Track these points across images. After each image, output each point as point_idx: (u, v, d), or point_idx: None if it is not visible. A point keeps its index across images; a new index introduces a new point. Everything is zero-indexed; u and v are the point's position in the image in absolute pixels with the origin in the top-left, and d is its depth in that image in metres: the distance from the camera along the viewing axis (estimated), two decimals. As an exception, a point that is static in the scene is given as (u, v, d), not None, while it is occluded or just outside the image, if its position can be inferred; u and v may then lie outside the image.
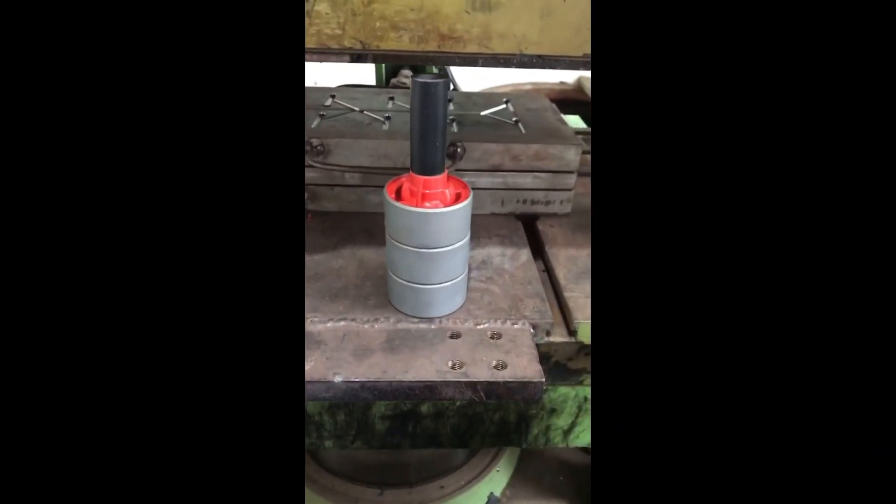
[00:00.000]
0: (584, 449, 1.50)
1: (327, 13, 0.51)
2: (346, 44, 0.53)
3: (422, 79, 0.53)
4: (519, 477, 1.44)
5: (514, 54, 0.54)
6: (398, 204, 0.57)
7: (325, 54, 0.55)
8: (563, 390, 0.74)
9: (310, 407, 0.74)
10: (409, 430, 0.77)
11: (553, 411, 0.76)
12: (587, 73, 2.58)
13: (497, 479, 1.40)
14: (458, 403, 0.75)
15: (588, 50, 0.54)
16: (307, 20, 0.51)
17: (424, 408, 0.74)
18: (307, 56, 0.56)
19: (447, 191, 0.59)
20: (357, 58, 0.58)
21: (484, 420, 0.76)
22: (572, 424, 0.78)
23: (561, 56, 0.55)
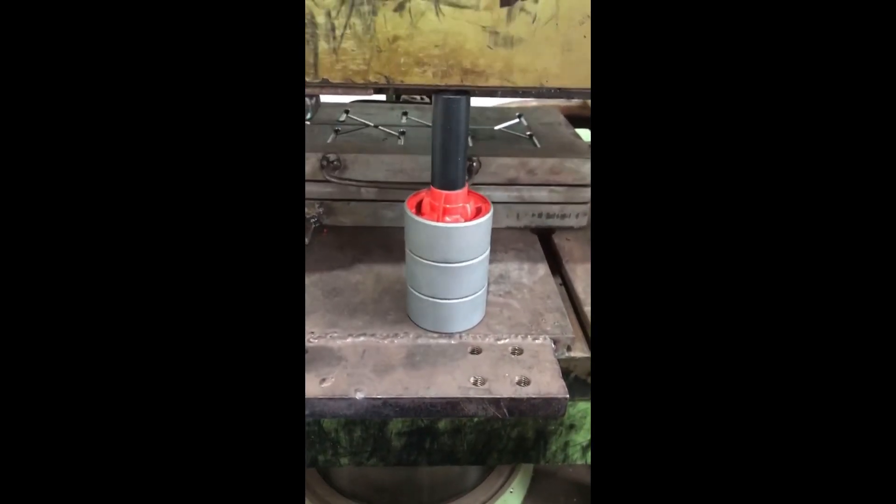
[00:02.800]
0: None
1: (353, 50, 0.51)
2: (372, 79, 0.53)
3: (445, 94, 0.53)
4: (532, 498, 1.42)
5: (535, 87, 0.55)
6: (419, 219, 0.57)
7: (350, 88, 0.56)
8: (583, 406, 0.73)
9: (326, 424, 0.73)
10: (426, 447, 0.75)
11: (572, 427, 0.75)
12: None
13: (510, 501, 1.37)
14: (476, 420, 0.74)
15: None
16: (333, 57, 0.52)
17: (442, 424, 0.73)
18: (333, 90, 0.57)
19: (468, 205, 0.59)
20: (380, 91, 0.58)
21: (502, 436, 0.75)
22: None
23: (581, 89, 0.55)
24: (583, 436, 0.76)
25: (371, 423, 0.74)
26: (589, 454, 0.78)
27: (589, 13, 0.51)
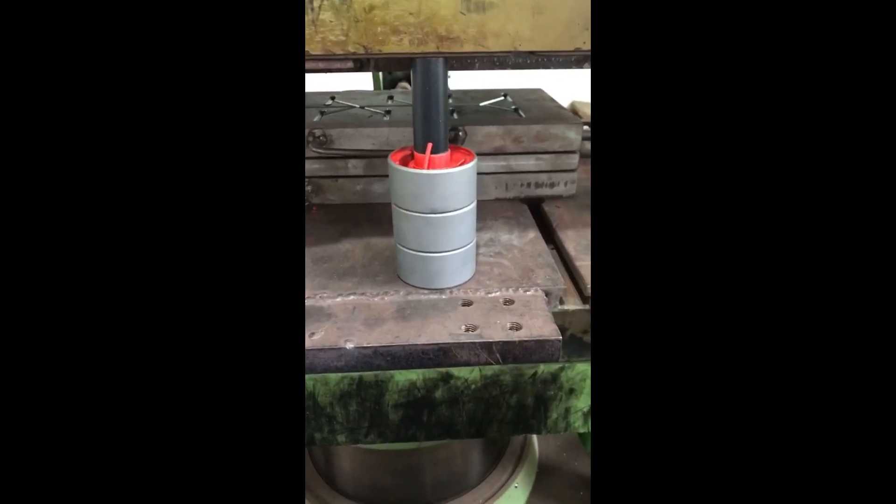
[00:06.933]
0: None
1: (331, 21, 0.53)
2: (350, 49, 0.54)
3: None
4: (538, 493, 1.39)
5: (509, 52, 0.56)
6: (405, 168, 0.57)
7: (330, 60, 0.57)
8: (581, 367, 0.72)
9: (321, 398, 0.72)
10: (424, 420, 0.74)
11: (572, 391, 0.73)
12: (580, 98, 2.63)
13: (516, 496, 1.34)
14: (472, 387, 0.73)
15: (580, 44, 0.55)
16: (312, 29, 0.53)
17: (438, 393, 0.72)
18: (313, 64, 0.58)
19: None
20: (360, 65, 0.59)
21: (500, 404, 0.73)
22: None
23: (553, 51, 0.56)
24: (583, 401, 0.75)
25: (367, 395, 0.73)
26: (591, 421, 0.77)
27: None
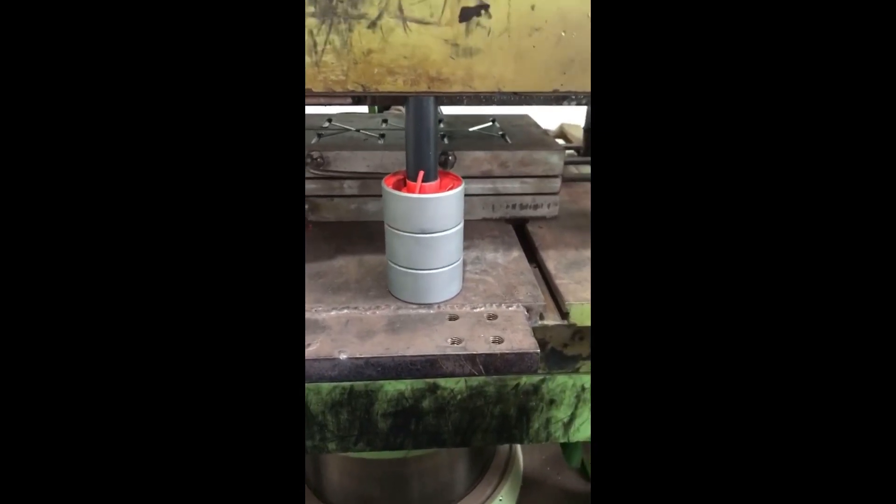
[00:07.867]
0: (584, 475, 1.49)
1: (332, 62, 0.59)
2: (350, 87, 0.60)
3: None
4: (522, 506, 1.42)
5: (494, 92, 0.61)
6: (398, 192, 0.62)
7: (331, 97, 0.63)
8: (561, 379, 0.76)
9: (313, 407, 0.75)
10: (412, 429, 0.77)
11: (552, 402, 0.78)
12: (569, 121, 2.70)
13: (500, 508, 1.37)
14: (458, 398, 0.77)
15: (557, 86, 0.61)
16: (315, 69, 0.58)
17: (426, 403, 0.76)
18: (315, 100, 0.63)
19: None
20: (358, 101, 0.65)
21: (485, 414, 0.77)
22: (572, 416, 0.79)
23: (534, 92, 0.62)
24: (563, 412, 0.79)
25: (357, 404, 0.76)
26: (571, 431, 0.81)
27: (536, 26, 0.57)
